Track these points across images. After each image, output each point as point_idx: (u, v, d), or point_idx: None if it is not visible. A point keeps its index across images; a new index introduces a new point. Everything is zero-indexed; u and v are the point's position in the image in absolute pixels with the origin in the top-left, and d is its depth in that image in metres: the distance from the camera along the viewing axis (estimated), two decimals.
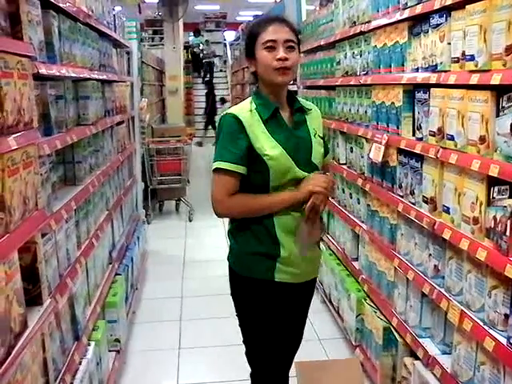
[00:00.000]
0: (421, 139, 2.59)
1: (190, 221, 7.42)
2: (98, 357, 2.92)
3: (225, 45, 22.65)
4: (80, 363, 2.62)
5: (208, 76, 18.46)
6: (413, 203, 2.69)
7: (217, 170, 2.18)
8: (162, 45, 13.56)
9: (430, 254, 2.55)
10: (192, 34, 19.72)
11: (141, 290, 4.93)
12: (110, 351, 3.35)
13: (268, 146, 2.15)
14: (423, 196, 2.58)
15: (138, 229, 5.25)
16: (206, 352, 3.83)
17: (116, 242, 4.05)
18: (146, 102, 6.07)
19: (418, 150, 2.56)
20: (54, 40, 2.45)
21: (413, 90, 2.74)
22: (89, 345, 2.83)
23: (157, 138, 7.61)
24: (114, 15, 4.35)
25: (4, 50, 1.76)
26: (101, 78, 3.49)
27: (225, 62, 22.20)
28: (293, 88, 6.60)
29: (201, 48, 19.03)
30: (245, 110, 2.22)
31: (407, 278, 2.81)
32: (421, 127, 2.60)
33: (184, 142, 7.54)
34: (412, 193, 2.71)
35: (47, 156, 2.32)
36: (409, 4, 2.65)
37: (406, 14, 2.66)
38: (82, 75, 2.91)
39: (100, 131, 3.48)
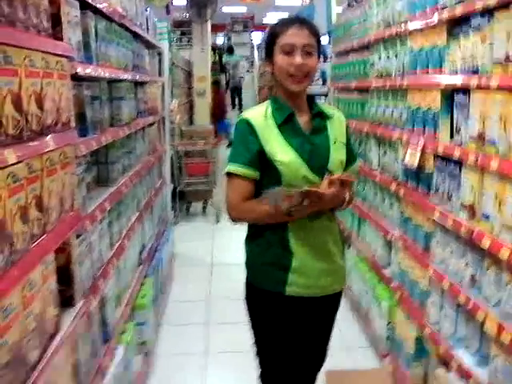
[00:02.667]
0: (460, 144, 2.53)
1: (217, 222, 7.42)
2: (126, 360, 2.91)
3: (252, 46, 22.66)
4: (109, 366, 2.61)
5: (236, 101, 18.02)
6: (450, 210, 2.63)
7: (228, 174, 2.17)
8: (191, 45, 13.59)
9: (467, 263, 2.49)
10: (226, 50, 19.34)
11: (168, 292, 4.93)
12: (137, 354, 3.35)
13: (280, 150, 2.11)
14: (461, 203, 2.51)
15: (167, 230, 5.26)
16: (234, 357, 3.80)
17: (146, 243, 4.05)
18: (177, 103, 6.08)
19: (456, 156, 2.50)
20: (91, 40, 2.46)
21: (451, 93, 2.68)
22: (117, 347, 2.83)
23: (185, 140, 7.63)
24: (147, 16, 4.35)
25: (46, 50, 1.77)
26: (134, 78, 3.49)
27: (252, 63, 22.19)
28: (323, 90, 6.58)
29: (233, 63, 18.53)
30: (259, 115, 2.19)
31: (442, 287, 2.74)
32: (460, 131, 2.54)
33: (212, 144, 7.54)
34: (449, 199, 2.65)
35: (82, 157, 2.32)
36: (448, 4, 2.59)
37: (445, 14, 2.60)
38: (116, 76, 2.91)
39: (133, 132, 3.49)
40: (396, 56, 3.40)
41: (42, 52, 1.72)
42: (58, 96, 1.88)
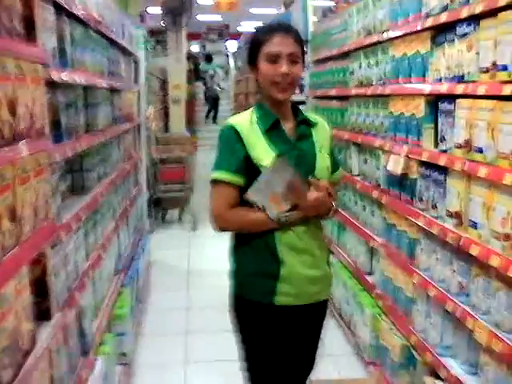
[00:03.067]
0: (445, 151, 2.49)
1: (194, 230, 7.32)
2: (105, 371, 2.81)
3: (227, 55, 22.64)
4: (88, 379, 2.51)
5: (213, 112, 17.91)
6: (435, 217, 2.59)
7: (214, 181, 2.11)
8: (166, 54, 13.50)
9: (454, 271, 2.45)
10: (205, 59, 19.14)
11: (146, 301, 4.82)
12: (117, 365, 3.25)
13: (266, 156, 2.06)
14: (447, 210, 2.48)
15: (143, 239, 5.15)
16: (215, 366, 3.72)
17: (122, 252, 3.95)
18: (153, 110, 5.99)
19: (442, 163, 2.46)
20: (67, 46, 2.37)
21: (435, 101, 2.65)
22: (96, 359, 2.73)
23: (161, 147, 7.53)
24: (123, 24, 4.27)
25: (18, 55, 1.68)
26: (110, 85, 3.40)
27: (227, 72, 22.17)
28: (301, 98, 6.54)
29: (210, 73, 18.38)
30: (244, 121, 2.15)
31: (427, 295, 2.70)
32: (444, 139, 2.51)
33: (189, 151, 7.46)
34: (434, 206, 2.61)
35: (57, 164, 2.23)
36: (432, 12, 2.56)
37: (430, 22, 2.58)
38: (92, 82, 2.82)
39: (108, 139, 3.39)
40: (377, 64, 3.37)
41: (15, 57, 1.63)
42: (31, 102, 1.78)
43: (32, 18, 1.89)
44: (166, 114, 12.69)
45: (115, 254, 3.69)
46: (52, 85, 2.27)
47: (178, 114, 12.42)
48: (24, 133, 1.74)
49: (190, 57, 19.80)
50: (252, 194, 2.05)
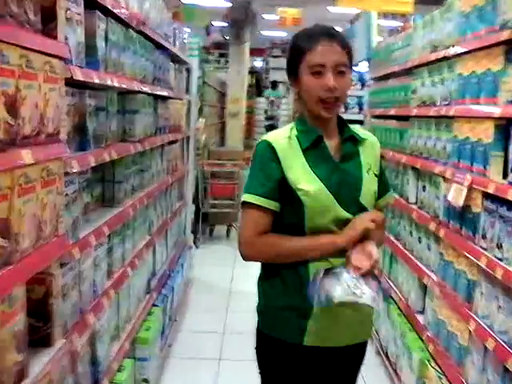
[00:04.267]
0: None
1: None
2: None
3: None
4: None
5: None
6: (499, 258, 2.26)
7: (245, 204, 1.85)
8: (227, 68, 13.44)
9: None
10: (270, 85, 18.92)
11: (180, 320, 4.60)
12: None
13: (304, 179, 1.81)
14: None
15: (184, 255, 4.95)
16: None
17: (157, 269, 3.74)
18: (204, 123, 5.82)
19: (511, 197, 2.13)
20: (98, 44, 2.18)
21: (506, 126, 2.33)
22: None
23: (212, 161, 7.36)
24: (175, 28, 4.11)
25: (28, 46, 1.48)
26: (153, 92, 3.22)
27: (288, 88, 22.00)
28: (359, 117, 6.24)
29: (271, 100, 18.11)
30: (282, 137, 1.88)
31: (485, 346, 2.36)
32: None
33: (240, 166, 7.26)
34: (499, 246, 2.27)
35: (78, 174, 2.03)
36: (509, 24, 2.25)
37: (505, 36, 2.26)
38: (129, 86, 2.63)
39: (148, 149, 3.21)
40: (442, 82, 3.06)
41: (22, 47, 1.43)
42: (42, 102, 1.59)
43: (53, 8, 1.71)
44: (222, 128, 12.61)
45: (148, 271, 3.48)
46: (80, 86, 2.10)
47: (235, 129, 12.30)
48: (30, 137, 1.54)
49: (253, 72, 19.77)
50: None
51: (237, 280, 5.84)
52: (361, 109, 7.28)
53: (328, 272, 1.75)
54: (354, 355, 2.02)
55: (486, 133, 2.43)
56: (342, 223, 1.84)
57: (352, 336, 1.94)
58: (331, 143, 1.91)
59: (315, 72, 1.81)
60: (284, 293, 1.89)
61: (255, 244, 1.86)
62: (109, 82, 2.27)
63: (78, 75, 1.86)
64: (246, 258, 1.90)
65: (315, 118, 1.90)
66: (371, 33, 7.21)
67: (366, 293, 1.72)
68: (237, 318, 4.80)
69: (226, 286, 5.66)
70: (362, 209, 1.88)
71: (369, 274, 1.78)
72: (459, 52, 2.75)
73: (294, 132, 1.91)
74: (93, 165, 2.13)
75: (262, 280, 1.99)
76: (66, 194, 1.89)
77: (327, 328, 1.87)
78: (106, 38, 2.31)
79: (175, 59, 4.25)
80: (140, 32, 2.92)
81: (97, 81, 2.08)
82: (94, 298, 2.28)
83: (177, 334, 4.35)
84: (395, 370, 3.51)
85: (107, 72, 2.33)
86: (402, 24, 8.33)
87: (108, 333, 2.54)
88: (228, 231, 7.80)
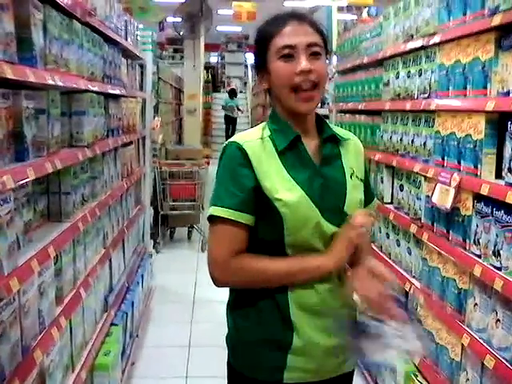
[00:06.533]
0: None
1: (203, 251, 6.78)
2: None
3: (246, 66, 22.27)
4: None
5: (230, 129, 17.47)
6: (497, 267, 2.04)
7: (213, 219, 1.57)
8: (183, 63, 13.07)
9: None
10: (227, 93, 18.41)
11: (143, 335, 4.27)
12: None
13: (282, 187, 1.54)
14: None
15: (144, 264, 4.62)
16: None
17: (114, 284, 3.41)
18: (160, 121, 5.48)
19: (511, 200, 1.91)
20: (34, 36, 1.85)
21: (499, 120, 2.11)
22: None
23: (170, 161, 7.02)
24: (126, 21, 3.77)
25: None
26: (103, 90, 2.89)
27: (245, 83, 21.79)
28: (323, 112, 6.01)
29: (234, 115, 17.83)
30: (254, 138, 1.61)
31: (482, 364, 2.14)
32: None
33: (200, 165, 6.94)
34: (496, 254, 2.05)
35: (14, 190, 1.71)
36: (501, 7, 2.02)
37: (497, 21, 2.03)
38: (74, 85, 2.30)
39: (99, 154, 2.88)
40: (420, 73, 2.83)
41: None
42: None
43: None
44: (180, 126, 12.25)
45: (104, 288, 3.16)
46: (14, 86, 1.78)
47: (192, 126, 11.97)
48: None
49: (209, 67, 19.45)
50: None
51: (200, 285, 5.53)
52: (323, 103, 7.06)
53: (357, 329, 1.50)
54: None
55: (475, 128, 2.21)
56: (327, 237, 1.59)
57: (337, 366, 1.68)
58: (310, 144, 1.64)
59: (285, 55, 1.55)
60: (259, 324, 1.62)
61: (229, 266, 1.57)
62: (49, 81, 1.94)
63: (8, 73, 1.54)
64: (218, 283, 1.61)
65: (290, 114, 1.62)
66: (332, 26, 7.03)
67: (410, 339, 1.48)
68: (202, 329, 4.50)
69: (189, 293, 5.34)
70: (347, 219, 1.62)
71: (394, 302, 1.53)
72: (443, 40, 2.52)
73: (267, 132, 1.63)
74: (32, 178, 1.80)
75: (232, 309, 1.71)
76: None
77: (310, 359, 1.61)
78: (45, 30, 1.99)
79: (127, 54, 3.92)
80: (87, 24, 2.59)
81: (33, 79, 1.75)
82: (40, 330, 1.97)
83: (140, 351, 4.03)
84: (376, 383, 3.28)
85: (47, 69, 2.00)
86: (355, 17, 8.19)
87: (60, 366, 2.22)
88: (189, 233, 7.48)
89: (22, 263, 1.75)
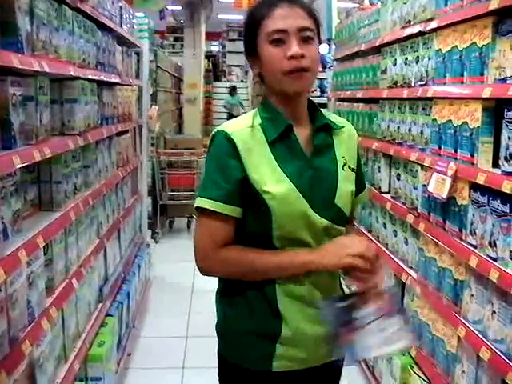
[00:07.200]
0: (509, 174, 1.91)
1: None
2: None
3: None
4: None
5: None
6: (493, 258, 2.00)
7: (200, 210, 1.53)
8: (183, 52, 13.00)
9: None
10: (228, 91, 18.22)
11: (140, 326, 4.26)
12: None
13: (271, 179, 1.51)
14: (511, 251, 1.89)
15: (141, 254, 4.60)
16: None
17: (109, 274, 3.39)
18: (157, 110, 5.44)
19: (506, 189, 1.87)
20: (19, 20, 1.81)
21: (496, 107, 2.07)
22: None
23: (169, 150, 6.98)
24: (121, 7, 3.72)
25: None
26: (96, 77, 2.85)
27: (246, 72, 21.67)
28: (322, 101, 5.97)
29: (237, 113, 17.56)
30: (243, 127, 1.56)
31: (478, 356, 2.11)
32: (511, 158, 1.91)
33: (199, 155, 6.90)
34: (492, 244, 2.01)
35: (0, 178, 1.68)
36: None
37: (494, 5, 1.98)
38: (63, 71, 2.26)
39: (92, 143, 2.84)
40: (417, 60, 2.78)
41: None
42: None
43: None
44: (179, 115, 12.20)
45: (99, 278, 3.13)
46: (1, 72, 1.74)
47: (192, 115, 11.91)
48: None
49: (210, 56, 19.32)
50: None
51: (199, 275, 5.39)
52: (323, 91, 7.02)
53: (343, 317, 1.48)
54: (329, 376, 1.74)
55: (472, 116, 2.16)
56: (317, 230, 1.55)
57: (326, 354, 1.64)
58: (302, 133, 1.60)
59: (275, 40, 1.50)
60: (248, 314, 1.60)
61: (215, 258, 1.55)
62: (36, 67, 1.90)
63: None
64: (204, 272, 1.60)
65: (282, 100, 1.58)
66: (332, 13, 6.96)
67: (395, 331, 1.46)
68: (200, 319, 4.46)
69: (188, 283, 5.31)
70: (338, 213, 1.59)
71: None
72: (440, 26, 2.47)
73: (258, 120, 1.58)
74: (19, 166, 1.77)
75: (221, 297, 1.70)
76: None
77: (298, 348, 1.58)
78: (32, 15, 1.94)
79: (123, 41, 3.87)
80: (78, 10, 2.55)
81: (18, 65, 1.72)
82: (29, 321, 1.94)
83: (137, 342, 4.02)
84: (373, 375, 3.26)
85: (35, 55, 1.96)
86: (357, 5, 8.12)
87: (52, 357, 2.20)
88: (189, 223, 7.45)
89: (9, 253, 1.72)
